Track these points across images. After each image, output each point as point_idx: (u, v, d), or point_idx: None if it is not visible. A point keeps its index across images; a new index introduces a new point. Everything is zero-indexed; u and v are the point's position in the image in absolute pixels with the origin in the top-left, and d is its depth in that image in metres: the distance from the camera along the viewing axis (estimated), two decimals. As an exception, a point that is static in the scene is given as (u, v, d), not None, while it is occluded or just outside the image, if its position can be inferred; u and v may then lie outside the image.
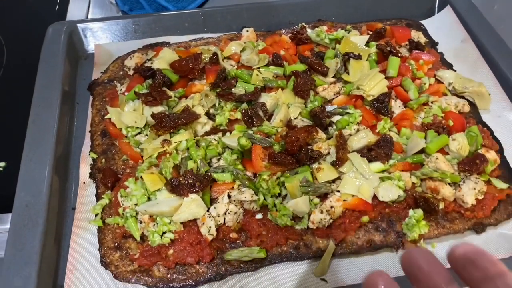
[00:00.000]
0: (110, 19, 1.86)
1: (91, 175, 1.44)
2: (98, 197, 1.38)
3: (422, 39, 1.85)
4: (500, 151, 1.51)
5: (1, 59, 1.80)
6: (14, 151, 1.50)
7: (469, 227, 1.34)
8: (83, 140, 1.54)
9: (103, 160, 1.45)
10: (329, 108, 1.55)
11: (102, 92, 1.65)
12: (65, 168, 1.46)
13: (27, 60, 1.83)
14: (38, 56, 1.74)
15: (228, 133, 1.47)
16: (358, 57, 1.66)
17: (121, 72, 1.72)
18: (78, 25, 1.82)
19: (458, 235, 1.34)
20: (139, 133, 1.49)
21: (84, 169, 1.45)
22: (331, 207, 1.29)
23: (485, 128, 1.56)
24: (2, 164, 1.47)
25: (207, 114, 1.53)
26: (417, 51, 1.74)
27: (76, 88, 1.71)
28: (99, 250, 1.27)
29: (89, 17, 2.05)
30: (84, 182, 1.43)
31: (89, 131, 1.56)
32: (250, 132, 1.44)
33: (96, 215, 1.33)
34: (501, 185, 1.39)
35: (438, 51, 1.86)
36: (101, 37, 1.85)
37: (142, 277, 1.22)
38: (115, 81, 1.68)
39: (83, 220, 1.34)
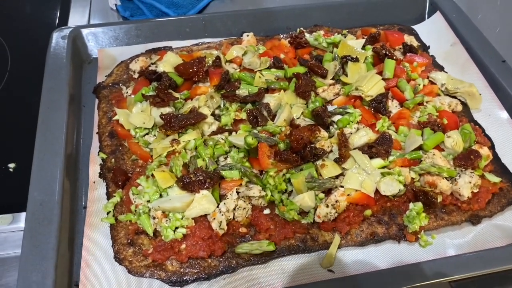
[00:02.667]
0: (113, 24, 1.91)
1: (101, 175, 1.47)
2: (109, 195, 1.41)
3: (415, 43, 1.93)
4: (492, 147, 1.59)
5: (5, 64, 1.82)
6: (22, 153, 1.53)
7: (466, 219, 1.41)
8: (90, 142, 1.58)
9: (113, 160, 1.48)
10: (329, 108, 1.62)
11: (107, 95, 1.69)
12: (74, 168, 1.49)
13: (30, 64, 1.86)
14: (41, 60, 1.77)
15: (234, 133, 1.52)
16: (356, 60, 1.74)
17: (125, 76, 1.77)
18: (82, 30, 1.86)
19: (455, 226, 1.41)
20: (147, 133, 1.53)
21: (94, 169, 1.49)
22: (336, 201, 1.35)
23: (477, 126, 1.65)
24: (12, 165, 1.50)
25: (213, 115, 1.58)
26: (410, 54, 1.82)
27: (81, 91, 1.74)
28: (112, 246, 1.30)
29: (90, 23, 2.09)
30: (94, 182, 1.46)
31: (97, 133, 1.59)
32: (255, 131, 1.49)
33: (108, 213, 1.36)
34: (494, 179, 1.47)
35: (430, 54, 1.95)
36: (104, 42, 1.89)
37: (156, 271, 1.25)
38: (120, 84, 1.72)
39: (94, 218, 1.37)
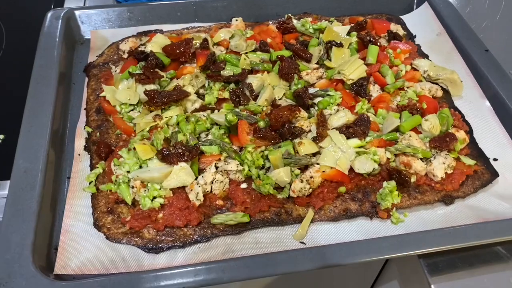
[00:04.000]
0: (106, 6, 1.96)
1: (85, 148, 1.52)
2: (92, 167, 1.46)
3: (401, 32, 1.97)
4: (470, 132, 1.62)
5: (0, 42, 1.87)
6: (12, 125, 1.58)
7: (439, 199, 1.44)
8: (78, 117, 1.63)
9: (98, 134, 1.53)
10: (311, 90, 1.65)
11: (97, 74, 1.74)
12: (61, 141, 1.54)
13: (25, 43, 1.92)
14: (36, 40, 1.82)
15: (216, 111, 1.57)
16: (340, 45, 1.77)
17: (116, 56, 1.82)
18: (76, 11, 1.91)
19: (428, 206, 1.44)
20: (132, 109, 1.58)
21: (79, 142, 1.53)
22: (311, 177, 1.39)
23: (457, 112, 1.68)
24: (1, 136, 1.55)
25: (197, 93, 1.63)
26: (395, 41, 1.85)
27: (72, 70, 1.79)
28: (92, 214, 1.35)
29: (86, 5, 2.14)
30: (79, 154, 1.51)
31: (84, 109, 1.64)
32: (237, 110, 1.54)
33: (90, 183, 1.41)
34: (469, 161, 1.50)
35: (416, 43, 1.98)
36: (97, 24, 1.94)
37: (132, 238, 1.30)
38: (110, 64, 1.77)
39: (77, 187, 1.42)
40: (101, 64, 1.78)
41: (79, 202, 1.38)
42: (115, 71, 1.72)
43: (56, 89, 1.59)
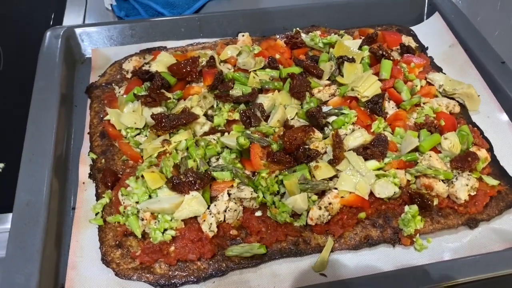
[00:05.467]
0: (107, 24, 1.89)
1: (90, 175, 1.44)
2: (98, 196, 1.38)
3: (413, 44, 1.90)
4: (490, 149, 1.56)
5: (-3, 63, 1.80)
6: (12, 153, 1.51)
7: (463, 223, 1.38)
8: (81, 142, 1.55)
9: (103, 160, 1.46)
10: (325, 109, 1.59)
11: (100, 95, 1.67)
12: (64, 169, 1.46)
13: (24, 63, 1.84)
14: (35, 60, 1.76)
15: (226, 133, 1.50)
16: (352, 60, 1.71)
17: (119, 76, 1.75)
18: (76, 29, 1.84)
19: (452, 230, 1.37)
20: (139, 134, 1.51)
21: (84, 170, 1.46)
22: (329, 203, 1.32)
23: (475, 128, 1.62)
24: (1, 165, 1.47)
25: (206, 115, 1.56)
26: (408, 54, 1.79)
27: (73, 91, 1.72)
28: (100, 248, 1.27)
29: (85, 22, 2.07)
30: (83, 182, 1.44)
31: (88, 133, 1.57)
32: (248, 132, 1.47)
33: (96, 214, 1.34)
34: (492, 181, 1.44)
35: (428, 55, 1.92)
36: (98, 42, 1.87)
37: (143, 274, 1.22)
38: (113, 84, 1.70)
39: (83, 219, 1.35)
40: (103, 84, 1.71)
41: (85, 235, 1.31)
42: (119, 92, 1.65)
43: (57, 112, 1.52)
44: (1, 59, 1.82)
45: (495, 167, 1.52)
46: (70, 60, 1.79)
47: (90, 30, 1.86)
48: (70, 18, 2.08)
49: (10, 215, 1.37)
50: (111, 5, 2.11)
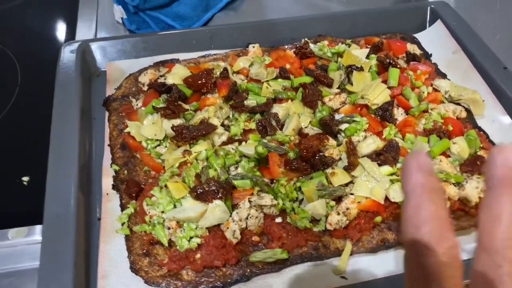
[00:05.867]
0: (120, 37, 1.93)
1: (114, 187, 1.49)
2: (123, 207, 1.43)
3: (417, 51, 1.97)
4: (496, 153, 1.62)
5: (15, 78, 1.85)
6: (35, 166, 1.56)
7: (475, 224, 1.43)
8: (102, 154, 1.60)
9: (125, 171, 1.50)
10: (337, 117, 1.65)
11: (117, 108, 1.71)
12: (88, 180, 1.51)
13: (40, 78, 1.89)
14: (50, 74, 1.81)
15: (243, 142, 1.55)
16: (361, 69, 1.77)
17: (134, 88, 1.79)
18: (90, 43, 1.89)
19: (464, 231, 1.43)
20: (158, 145, 1.56)
21: (107, 181, 1.51)
22: (347, 208, 1.38)
23: (481, 132, 1.68)
24: (26, 178, 1.52)
25: (222, 125, 1.61)
26: (414, 62, 1.86)
27: (91, 104, 1.77)
28: (128, 257, 1.32)
29: (97, 36, 2.12)
30: (107, 194, 1.48)
31: (108, 145, 1.61)
32: (264, 141, 1.52)
33: (122, 224, 1.38)
34: (500, 184, 1.50)
35: (432, 62, 1.98)
36: (113, 55, 1.92)
37: (172, 281, 1.27)
38: (130, 97, 1.74)
39: (109, 229, 1.39)
40: (120, 97, 1.76)
41: (113, 245, 1.35)
42: (137, 104, 1.70)
43: (79, 126, 1.57)
44: (18, 73, 1.86)
45: (502, 170, 1.58)
46: (86, 74, 1.84)
47: (104, 44, 1.91)
48: (82, 33, 2.12)
49: (37, 227, 1.42)
50: (122, 18, 2.16)
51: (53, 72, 1.82)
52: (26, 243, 1.38)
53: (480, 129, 1.70)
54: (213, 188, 1.34)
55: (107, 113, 1.73)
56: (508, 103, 1.76)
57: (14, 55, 1.94)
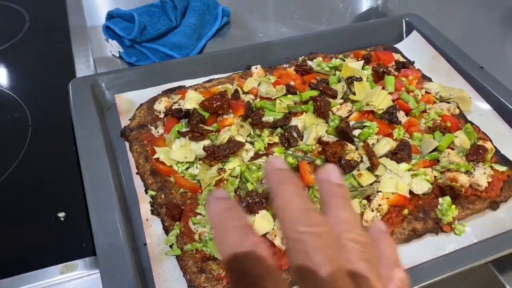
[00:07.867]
0: (127, 70, 1.99)
1: (153, 212, 1.52)
2: (167, 229, 1.46)
3: (402, 60, 2.16)
4: (490, 141, 1.81)
5: (26, 120, 1.84)
6: (68, 201, 1.56)
7: (487, 206, 1.60)
8: (131, 182, 1.63)
9: (162, 196, 1.54)
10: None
11: (138, 137, 1.75)
12: (126, 209, 1.53)
13: (49, 116, 1.89)
14: (59, 112, 1.86)
15: (270, 156, 1.64)
16: (360, 79, 1.92)
17: (150, 117, 1.84)
18: (97, 78, 1.92)
19: (479, 214, 1.59)
20: (189, 167, 1.61)
21: (144, 207, 1.53)
22: (379, 205, 1.49)
23: (474, 125, 1.87)
24: (62, 214, 1.51)
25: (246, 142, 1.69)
26: (404, 69, 2.04)
27: (109, 136, 1.79)
28: (184, 276, 1.35)
29: (98, 71, 2.15)
30: (147, 219, 1.51)
31: (137, 173, 1.64)
32: (289, 152, 1.62)
33: (171, 246, 1.42)
34: (502, 168, 1.68)
35: (416, 68, 2.18)
36: (121, 87, 1.95)
37: (232, 293, 1.32)
38: (148, 125, 1.79)
39: (157, 253, 1.42)
40: (136, 126, 1.80)
41: (165, 268, 1.38)
42: (157, 131, 1.74)
43: (107, 157, 1.59)
44: (28, 115, 1.86)
45: (498, 156, 1.77)
46: (98, 108, 1.86)
47: (111, 77, 1.94)
48: (81, 69, 2.14)
49: (78, 262, 1.43)
50: (119, 52, 2.20)
51: (62, 109, 1.85)
52: (76, 277, 1.38)
53: (471, 123, 1.89)
54: (256, 200, 1.42)
55: (127, 144, 1.76)
56: (488, 96, 1.96)
57: (21, 99, 1.94)
